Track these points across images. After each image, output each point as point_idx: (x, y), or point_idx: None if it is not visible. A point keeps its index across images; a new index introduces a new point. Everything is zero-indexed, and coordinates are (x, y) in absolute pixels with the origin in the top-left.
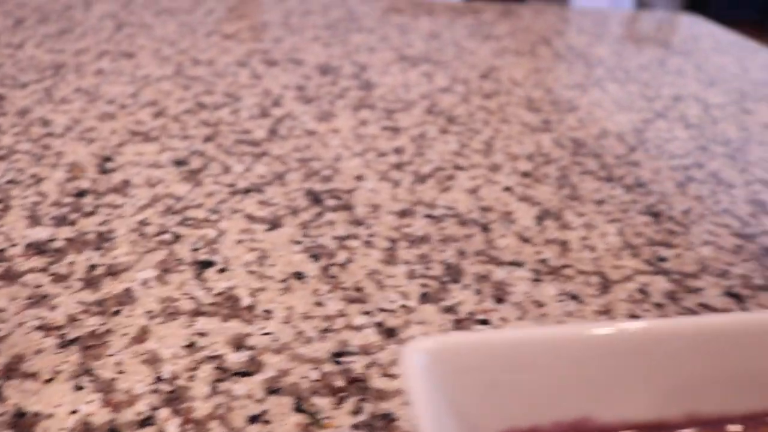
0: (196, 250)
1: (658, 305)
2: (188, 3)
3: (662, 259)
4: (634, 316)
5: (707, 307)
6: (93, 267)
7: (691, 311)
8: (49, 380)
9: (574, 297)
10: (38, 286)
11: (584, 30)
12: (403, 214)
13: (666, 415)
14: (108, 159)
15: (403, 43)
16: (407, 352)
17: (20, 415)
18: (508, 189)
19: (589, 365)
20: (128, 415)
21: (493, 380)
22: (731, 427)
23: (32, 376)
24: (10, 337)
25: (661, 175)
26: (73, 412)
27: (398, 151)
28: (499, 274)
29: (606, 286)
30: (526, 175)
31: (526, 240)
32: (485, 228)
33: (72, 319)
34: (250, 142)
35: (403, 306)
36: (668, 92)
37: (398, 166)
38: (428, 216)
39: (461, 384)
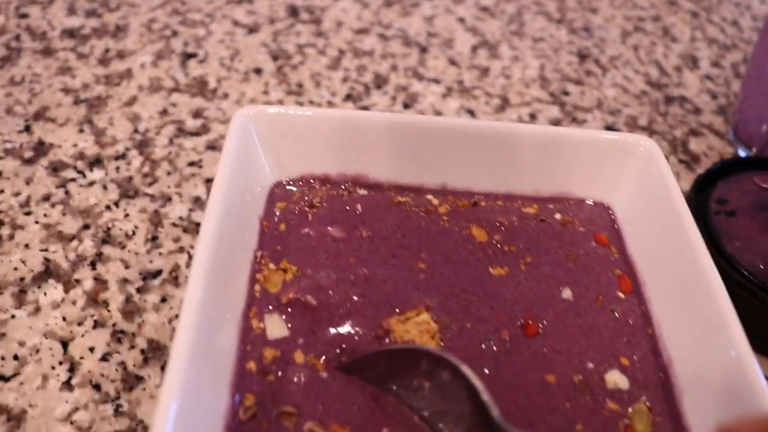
0: (186, 44)
1: None
2: None
3: (566, 93)
4: None
5: None
6: (108, 50)
7: None
8: (63, 124)
9: (470, 111)
10: (66, 61)
11: None
12: (360, 31)
13: (425, 182)
14: None
15: None
16: (235, 115)
17: (41, 143)
18: (461, 20)
19: (373, 139)
20: (110, 151)
21: (298, 138)
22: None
23: (52, 120)
24: (41, 94)
25: (612, 23)
26: (74, 145)
27: None
28: (417, 87)
29: (503, 107)
30: (484, 9)
31: (454, 63)
32: (424, 50)
33: (85, 86)
34: None
35: (329, 101)
36: None
37: None
38: (380, 35)
39: (274, 138)
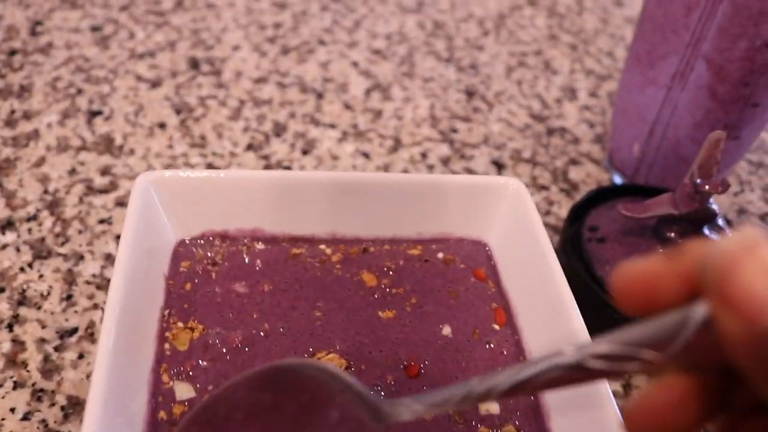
0: (91, 101)
1: (430, 166)
2: None
3: (454, 131)
4: (405, 171)
5: (469, 171)
6: (13, 111)
7: (453, 172)
8: None
9: (365, 154)
10: None
11: None
12: (259, 80)
13: (316, 232)
14: (38, 23)
15: None
16: (136, 182)
17: None
18: (355, 64)
19: (264, 195)
20: (21, 213)
21: (195, 198)
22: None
23: None
24: None
25: (498, 59)
26: None
27: (277, 25)
28: (314, 133)
29: (395, 148)
30: (376, 52)
31: (348, 107)
32: (320, 96)
33: None
34: (157, 12)
35: (231, 152)
36: None
37: (272, 40)
38: (278, 83)
39: (174, 200)
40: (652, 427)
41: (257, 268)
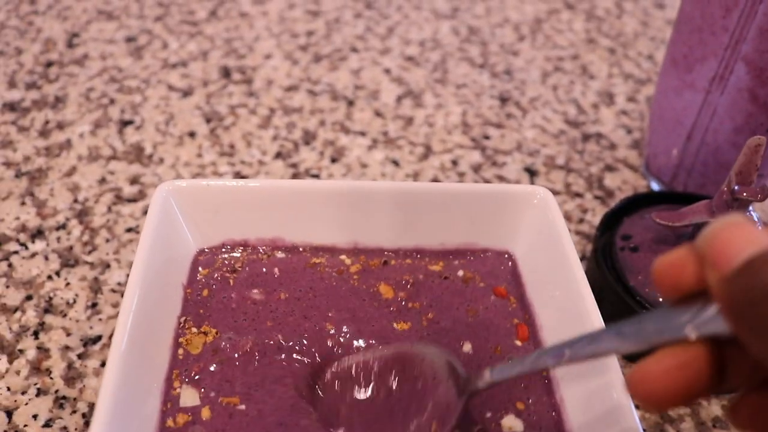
0: (123, 111)
1: (461, 173)
2: None
3: (486, 137)
4: (435, 180)
5: (501, 178)
6: (47, 122)
7: (485, 180)
8: (5, 198)
9: (394, 161)
10: (7, 134)
11: None
12: (290, 88)
13: (337, 242)
14: (75, 35)
15: None
16: (156, 191)
17: None
18: (387, 71)
19: (286, 204)
20: (51, 222)
21: (216, 208)
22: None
23: None
24: None
25: (533, 65)
26: (17, 218)
27: (310, 33)
28: (344, 140)
29: (426, 155)
30: (409, 59)
31: (379, 114)
32: (351, 103)
33: (26, 158)
34: (191, 22)
35: (259, 160)
36: None
37: (304, 48)
38: (309, 91)
39: (194, 209)
40: (654, 391)
41: (275, 276)
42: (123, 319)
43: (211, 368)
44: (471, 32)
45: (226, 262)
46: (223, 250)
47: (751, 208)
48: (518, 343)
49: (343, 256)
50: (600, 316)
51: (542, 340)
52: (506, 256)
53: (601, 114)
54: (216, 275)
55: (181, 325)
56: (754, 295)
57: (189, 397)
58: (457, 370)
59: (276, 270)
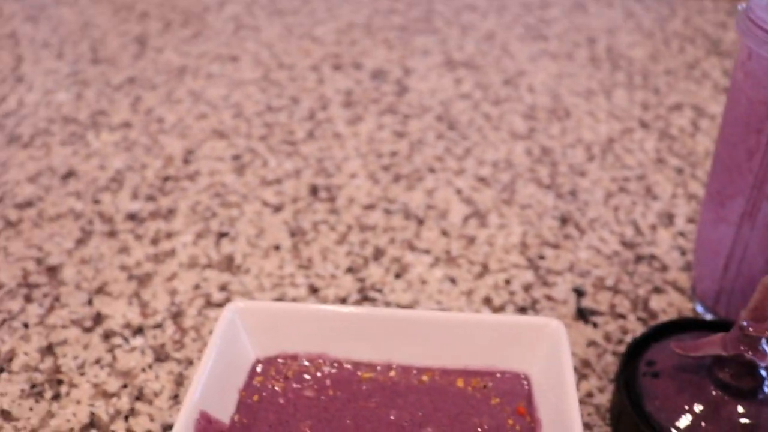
0: (222, 224)
1: (512, 293)
2: (298, 2)
3: (542, 257)
4: (487, 299)
5: (550, 299)
6: (158, 231)
7: (533, 300)
8: (117, 297)
9: (452, 279)
10: (125, 241)
11: (642, 27)
12: (368, 207)
13: (374, 359)
14: (191, 152)
15: (454, 45)
16: (225, 309)
17: (99, 315)
18: (458, 191)
19: (330, 326)
20: (150, 321)
21: (274, 326)
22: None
23: (109, 294)
24: (103, 272)
25: (598, 185)
26: (124, 316)
27: (393, 154)
28: (409, 258)
29: (482, 274)
30: (481, 179)
31: (445, 234)
32: (420, 222)
33: (138, 264)
34: (290, 142)
35: (332, 274)
36: (672, 100)
37: (386, 167)
38: (385, 210)
39: (255, 327)
40: None
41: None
42: (183, 414)
43: None
44: (543, 152)
45: (280, 370)
46: (278, 361)
47: (764, 341)
48: None
49: (376, 372)
50: None
51: None
52: (523, 377)
53: (658, 235)
54: (268, 384)
55: (234, 422)
56: None
57: None
58: None
59: (314, 378)
